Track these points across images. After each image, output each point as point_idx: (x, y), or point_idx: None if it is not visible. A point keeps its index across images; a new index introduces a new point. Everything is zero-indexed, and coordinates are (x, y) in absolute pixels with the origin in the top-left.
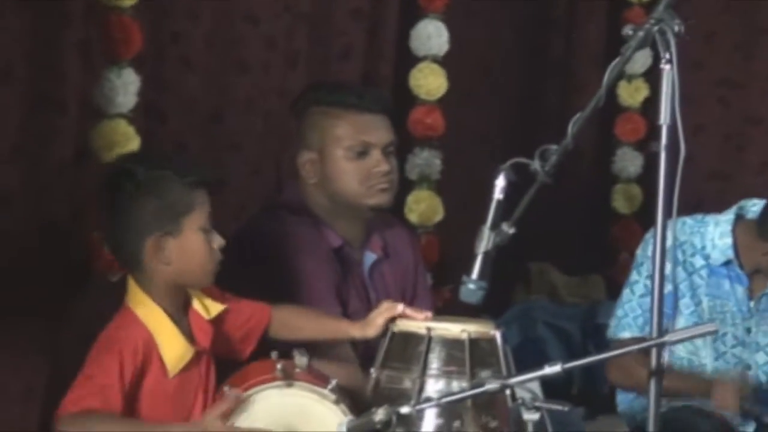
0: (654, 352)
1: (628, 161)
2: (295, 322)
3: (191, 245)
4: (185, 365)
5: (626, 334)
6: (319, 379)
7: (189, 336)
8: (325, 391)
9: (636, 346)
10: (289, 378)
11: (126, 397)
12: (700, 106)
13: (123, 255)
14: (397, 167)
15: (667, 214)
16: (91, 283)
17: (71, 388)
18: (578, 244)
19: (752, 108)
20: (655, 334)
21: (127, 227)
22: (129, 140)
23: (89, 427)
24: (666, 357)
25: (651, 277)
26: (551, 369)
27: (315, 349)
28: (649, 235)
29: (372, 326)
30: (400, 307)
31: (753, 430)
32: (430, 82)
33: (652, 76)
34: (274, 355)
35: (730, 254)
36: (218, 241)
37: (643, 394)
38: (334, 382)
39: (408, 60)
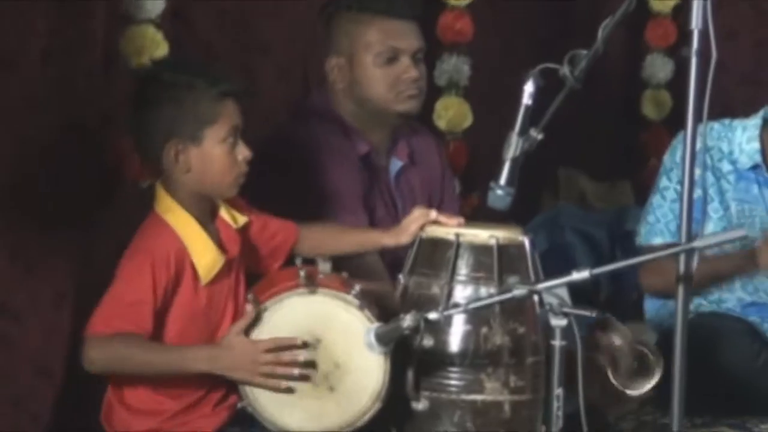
0: (683, 257)
1: (658, 67)
2: (323, 240)
3: (212, 155)
4: (216, 275)
5: (658, 240)
6: (343, 285)
7: (219, 244)
8: (349, 297)
9: (665, 252)
10: (312, 285)
11: (157, 313)
12: (731, 12)
13: (149, 160)
14: (426, 73)
15: (697, 120)
16: (122, 189)
17: (101, 305)
18: (607, 150)
19: None
20: (684, 239)
21: (151, 132)
22: (157, 46)
23: (116, 351)
24: (696, 261)
25: (681, 182)
26: (579, 275)
27: (342, 260)
28: (676, 141)
29: (405, 233)
30: (433, 214)
31: None
32: None
33: None
34: (298, 261)
35: (758, 158)
36: (244, 152)
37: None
38: (358, 288)
39: None
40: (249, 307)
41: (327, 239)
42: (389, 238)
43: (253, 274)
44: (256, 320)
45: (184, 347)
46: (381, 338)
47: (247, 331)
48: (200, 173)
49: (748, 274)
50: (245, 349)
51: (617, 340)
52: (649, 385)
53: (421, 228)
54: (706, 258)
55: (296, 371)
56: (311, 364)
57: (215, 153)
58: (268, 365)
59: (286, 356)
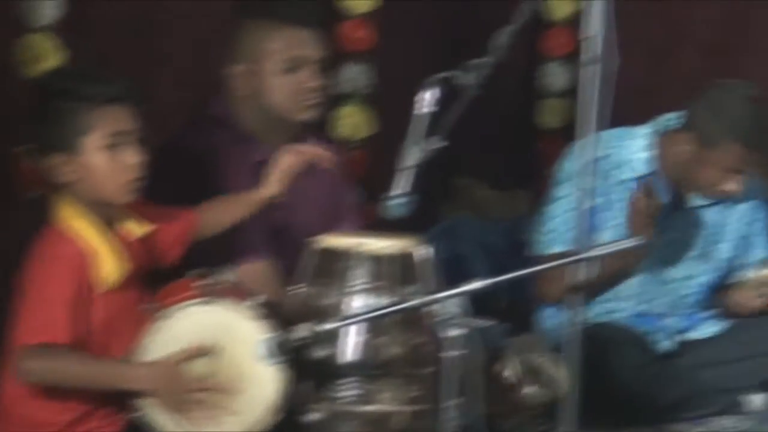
0: (579, 266)
1: (556, 75)
2: (216, 216)
3: (93, 164)
4: (119, 284)
5: (556, 249)
6: (243, 295)
7: (121, 253)
8: (247, 307)
9: (562, 261)
10: (211, 294)
11: (74, 320)
12: (626, 20)
13: (42, 171)
14: (328, 82)
15: (593, 129)
16: (12, 200)
17: (24, 316)
18: (504, 159)
19: (678, 21)
20: (580, 248)
21: (40, 143)
22: (53, 54)
23: (51, 362)
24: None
25: (576, 191)
26: (476, 284)
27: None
28: (572, 150)
29: (273, 181)
30: (293, 154)
31: (670, 345)
32: None
33: None
34: (198, 271)
35: (651, 167)
36: (133, 157)
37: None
38: (257, 298)
39: None
40: (148, 310)
41: (219, 215)
42: (264, 191)
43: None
44: (153, 330)
45: (123, 363)
46: (274, 349)
47: (149, 343)
48: (87, 182)
49: (635, 264)
50: (182, 382)
51: (507, 371)
52: (546, 395)
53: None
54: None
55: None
56: (210, 374)
57: (95, 161)
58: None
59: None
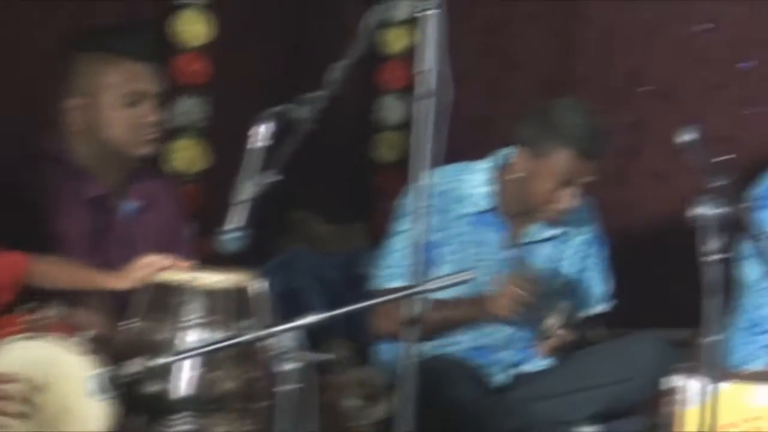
0: (414, 300)
1: (392, 109)
2: (52, 273)
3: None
4: None
5: (394, 284)
6: (71, 330)
7: None
8: (75, 342)
9: (397, 294)
10: (38, 329)
11: None
12: (462, 53)
13: None
14: (164, 115)
15: (430, 163)
16: None
17: None
18: (340, 192)
19: (512, 54)
20: (415, 282)
21: None
22: None
23: None
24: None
25: (414, 226)
26: (311, 318)
27: (75, 300)
28: (411, 185)
29: (128, 278)
30: (164, 261)
31: (504, 379)
32: (194, 28)
33: (416, 22)
34: (26, 306)
35: (491, 202)
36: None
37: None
38: (86, 333)
39: (172, 6)
40: None
41: (56, 273)
42: (113, 281)
43: None
44: None
45: None
46: (104, 385)
47: None
48: None
49: (481, 320)
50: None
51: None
52: (374, 415)
53: (153, 274)
54: (441, 305)
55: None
56: (36, 408)
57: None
58: None
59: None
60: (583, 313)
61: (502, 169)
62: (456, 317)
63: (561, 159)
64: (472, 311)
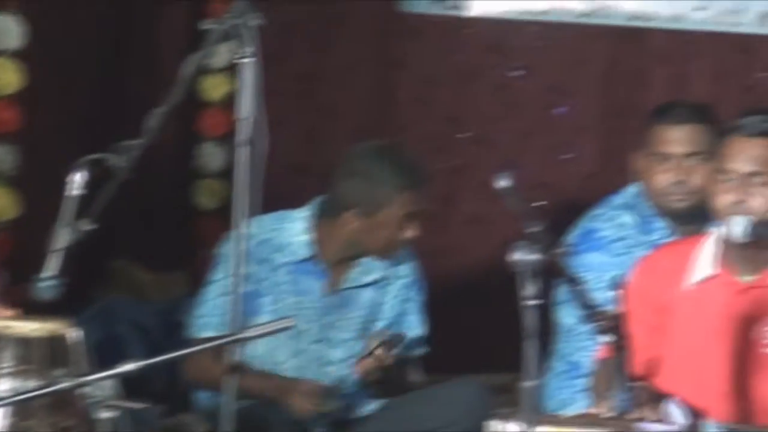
0: (231, 348)
1: (211, 156)
2: None
3: None
4: None
5: (208, 334)
6: None
7: None
8: None
9: (212, 343)
10: None
11: None
12: (280, 100)
13: None
14: None
15: (248, 210)
16: None
17: None
18: (160, 240)
19: (329, 101)
20: (233, 330)
21: None
22: None
23: None
24: (243, 355)
25: (231, 275)
26: (127, 367)
27: None
28: (229, 234)
29: None
30: None
31: (326, 424)
32: (4, 76)
33: (235, 70)
34: None
35: (310, 250)
36: None
37: (218, 392)
38: None
39: None
40: None
41: None
42: None
43: None
44: None
45: None
46: None
47: None
48: None
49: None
50: None
51: None
52: None
53: None
54: (261, 374)
55: None
56: None
57: None
58: None
59: None
60: (402, 355)
61: (320, 219)
62: (256, 390)
63: (399, 204)
64: (273, 391)
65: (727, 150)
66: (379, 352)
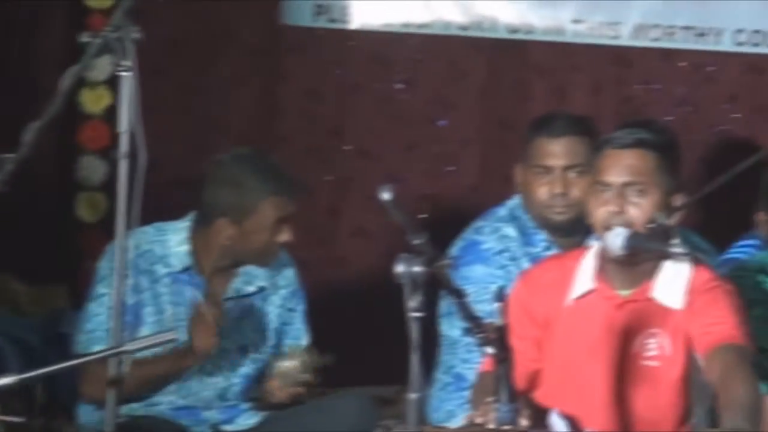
0: (114, 361)
1: (92, 169)
2: None
3: None
4: None
5: (97, 347)
6: None
7: None
8: None
9: (96, 356)
10: None
11: None
12: (163, 113)
13: None
14: None
15: (129, 223)
16: None
17: None
18: (40, 253)
19: (214, 115)
20: (115, 343)
21: None
22: None
23: None
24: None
25: (113, 288)
26: (4, 380)
27: None
28: (110, 247)
29: None
30: None
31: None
32: None
33: (115, 82)
34: None
35: (189, 261)
36: None
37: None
38: None
39: None
40: None
41: None
42: None
43: None
44: None
45: None
46: None
47: None
48: None
49: (187, 367)
50: None
51: None
52: None
53: None
54: (141, 362)
55: None
56: None
57: None
58: None
59: None
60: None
61: (196, 230)
62: (161, 369)
63: (267, 210)
64: (175, 360)
65: (601, 163)
66: (302, 377)
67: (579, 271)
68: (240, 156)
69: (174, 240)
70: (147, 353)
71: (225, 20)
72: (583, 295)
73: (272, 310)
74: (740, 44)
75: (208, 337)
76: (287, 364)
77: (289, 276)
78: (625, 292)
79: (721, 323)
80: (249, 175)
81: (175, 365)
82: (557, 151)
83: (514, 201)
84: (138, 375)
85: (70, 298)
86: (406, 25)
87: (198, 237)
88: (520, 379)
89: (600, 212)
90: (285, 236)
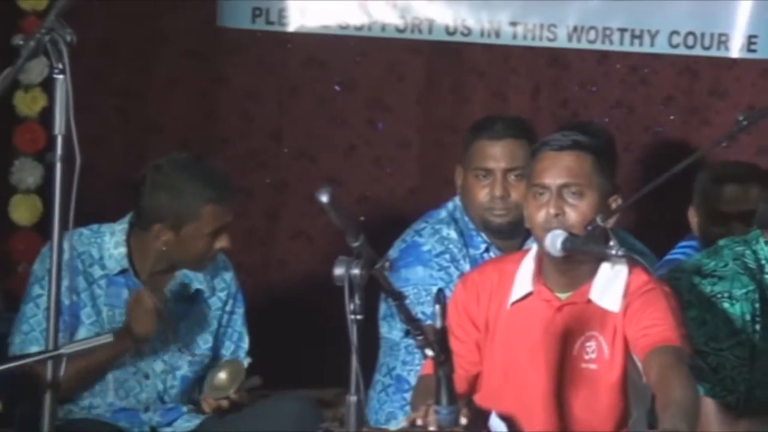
0: (51, 363)
1: (27, 172)
2: None
3: None
4: None
5: (34, 348)
6: None
7: None
8: None
9: (33, 358)
10: None
11: None
12: (102, 116)
13: None
14: None
15: (64, 225)
16: None
17: None
18: None
19: (152, 117)
20: (51, 345)
21: None
22: None
23: None
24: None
25: (49, 289)
26: None
27: None
28: (45, 249)
29: None
30: None
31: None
32: None
33: (50, 85)
34: None
35: (126, 263)
36: None
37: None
38: None
39: None
40: None
41: None
42: None
43: None
44: None
45: None
46: None
47: None
48: None
49: (124, 351)
50: None
51: None
52: None
53: None
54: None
55: None
56: None
57: None
58: None
59: None
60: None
61: (134, 232)
62: (98, 360)
63: (204, 217)
64: (113, 347)
65: (538, 165)
66: (234, 397)
67: (518, 275)
68: (179, 161)
69: (110, 242)
70: None
71: (161, 22)
72: (522, 298)
73: (211, 313)
74: (675, 46)
75: (146, 320)
76: (220, 376)
77: (227, 279)
78: (563, 295)
79: (658, 325)
80: (188, 181)
81: (112, 349)
82: (497, 153)
83: (454, 203)
84: (74, 364)
85: (5, 301)
86: (343, 27)
87: (135, 240)
88: (460, 382)
89: (538, 215)
90: (222, 243)
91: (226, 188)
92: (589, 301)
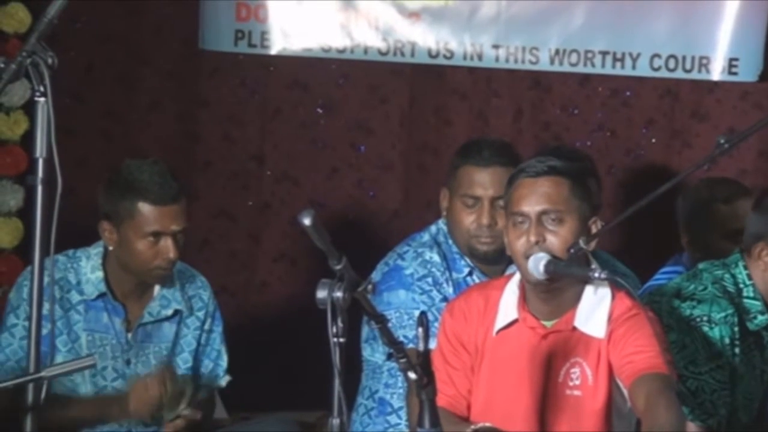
0: (30, 388)
1: (9, 195)
2: None
3: None
4: None
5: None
6: None
7: None
8: None
9: (15, 381)
10: None
11: None
12: (84, 139)
13: None
14: None
15: (46, 249)
16: None
17: None
18: None
19: (134, 139)
20: (32, 369)
21: None
22: None
23: None
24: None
25: (29, 317)
26: None
27: None
28: (21, 278)
29: None
30: None
31: None
32: None
33: (32, 108)
34: None
35: (103, 287)
36: None
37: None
38: None
39: None
40: None
41: None
42: None
43: None
44: None
45: None
46: None
47: None
48: None
49: (113, 419)
50: None
51: None
52: None
53: None
54: (81, 401)
55: None
56: None
57: None
58: None
59: None
60: (205, 389)
61: (109, 255)
62: (96, 414)
63: (139, 215)
64: (112, 410)
65: (516, 193)
66: (186, 412)
67: (502, 301)
68: (134, 163)
69: (87, 266)
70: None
71: (143, 45)
72: (508, 326)
73: (189, 332)
74: (656, 69)
75: (147, 405)
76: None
77: (204, 298)
78: (548, 323)
79: (643, 352)
80: (131, 180)
81: (109, 414)
82: (485, 181)
83: (437, 226)
84: (72, 414)
85: None
86: (326, 50)
87: (110, 263)
88: (463, 410)
89: (518, 243)
90: (165, 252)
91: (167, 192)
92: (574, 328)
